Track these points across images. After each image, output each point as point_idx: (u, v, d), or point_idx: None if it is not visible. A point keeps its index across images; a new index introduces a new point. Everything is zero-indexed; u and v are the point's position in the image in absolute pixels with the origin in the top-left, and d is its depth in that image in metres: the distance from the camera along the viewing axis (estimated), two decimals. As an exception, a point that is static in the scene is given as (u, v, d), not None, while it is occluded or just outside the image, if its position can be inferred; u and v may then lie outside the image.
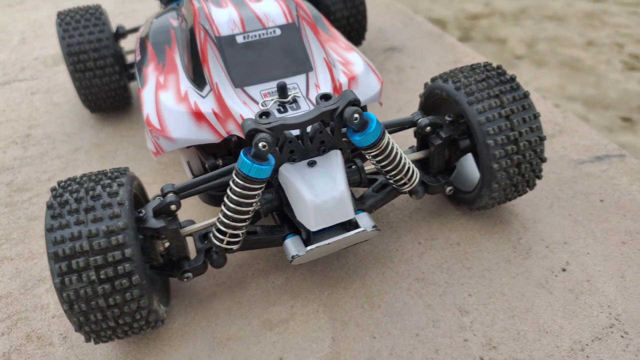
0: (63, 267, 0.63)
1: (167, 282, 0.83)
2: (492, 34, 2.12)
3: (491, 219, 0.91)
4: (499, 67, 0.84)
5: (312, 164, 0.74)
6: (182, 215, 0.96)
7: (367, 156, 0.75)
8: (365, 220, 0.78)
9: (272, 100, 0.79)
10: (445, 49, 1.39)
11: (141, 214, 0.73)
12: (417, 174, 0.81)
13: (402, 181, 0.79)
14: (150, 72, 0.91)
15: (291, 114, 0.77)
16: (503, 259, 0.84)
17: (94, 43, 1.10)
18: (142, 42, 0.98)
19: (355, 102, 0.70)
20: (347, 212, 0.72)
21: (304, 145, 0.74)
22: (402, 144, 1.06)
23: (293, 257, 0.73)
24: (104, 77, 1.12)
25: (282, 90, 0.79)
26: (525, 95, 0.79)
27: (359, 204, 0.82)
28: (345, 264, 0.86)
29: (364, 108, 0.96)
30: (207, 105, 0.82)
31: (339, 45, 0.97)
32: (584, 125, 1.10)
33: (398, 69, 1.33)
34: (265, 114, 0.72)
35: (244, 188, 0.69)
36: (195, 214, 0.97)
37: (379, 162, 0.75)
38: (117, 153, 1.14)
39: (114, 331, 0.69)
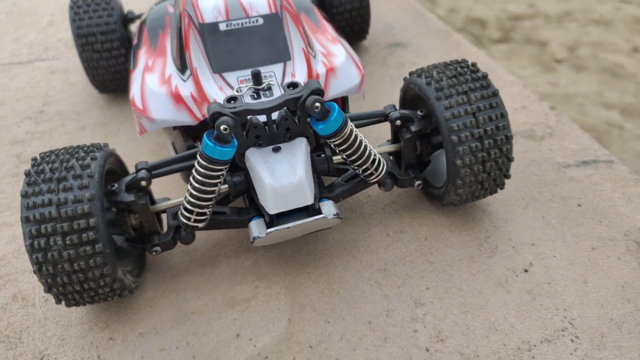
0: (33, 230, 0.68)
1: (142, 254, 0.88)
2: (533, 35, 2.08)
3: (463, 216, 0.91)
4: (473, 65, 0.84)
5: (277, 150, 0.77)
6: (164, 193, 1.01)
7: (331, 145, 0.77)
8: (328, 208, 0.80)
9: (247, 86, 0.82)
10: (450, 47, 1.39)
11: (113, 188, 0.78)
12: (384, 165, 0.83)
13: (369, 171, 0.81)
14: (142, 55, 0.96)
15: (262, 101, 0.80)
16: (467, 255, 0.85)
17: (102, 26, 1.16)
18: (140, 27, 1.03)
19: (317, 92, 0.73)
20: (305, 198, 0.75)
21: (269, 131, 0.77)
22: (381, 137, 1.07)
23: (254, 238, 0.76)
24: (110, 59, 1.18)
25: (257, 78, 0.82)
26: (495, 94, 0.80)
27: (326, 192, 0.84)
28: (313, 250, 0.89)
29: (344, 99, 0.98)
30: (186, 89, 0.86)
31: (325, 37, 0.99)
32: (576, 129, 1.08)
33: (399, 65, 1.34)
34: (232, 98, 0.75)
35: (206, 169, 0.73)
36: (177, 191, 1.02)
37: (343, 151, 0.77)
38: (119, 132, 1.20)
39: (81, 295, 0.74)
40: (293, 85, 0.75)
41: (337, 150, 0.78)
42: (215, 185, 0.76)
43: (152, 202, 0.83)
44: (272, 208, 0.75)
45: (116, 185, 0.78)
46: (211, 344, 0.77)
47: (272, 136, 0.77)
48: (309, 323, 0.78)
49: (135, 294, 0.85)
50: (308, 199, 0.75)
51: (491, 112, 0.78)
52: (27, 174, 0.72)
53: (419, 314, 0.77)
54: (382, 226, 0.91)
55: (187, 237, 0.81)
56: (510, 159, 0.81)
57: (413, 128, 0.83)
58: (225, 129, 0.70)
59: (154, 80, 0.88)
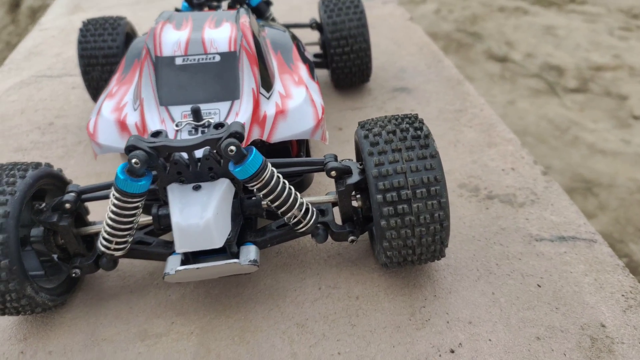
0: None
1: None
2: (614, 88, 1.95)
3: (405, 279, 0.85)
4: (420, 121, 0.78)
5: (197, 188, 0.75)
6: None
7: (253, 189, 0.75)
8: (247, 253, 0.78)
9: (186, 122, 0.82)
10: (457, 96, 1.32)
11: (40, 207, 0.80)
12: (313, 215, 0.79)
13: (296, 219, 0.78)
14: (112, 81, 0.99)
15: (184, 139, 0.79)
16: (394, 324, 0.78)
17: (104, 50, 1.22)
18: (123, 54, 1.06)
19: (236, 134, 0.71)
20: (211, 241, 0.72)
21: (190, 169, 0.76)
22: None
23: (165, 274, 0.75)
24: (108, 79, 1.24)
25: (196, 114, 0.81)
26: (432, 155, 0.73)
27: (254, 236, 0.81)
28: (240, 293, 0.85)
29: (300, 143, 0.95)
30: (132, 118, 0.87)
31: (291, 78, 0.97)
32: (564, 200, 0.98)
33: (397, 110, 1.29)
34: (158, 133, 0.74)
35: (119, 200, 0.73)
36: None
37: (265, 196, 0.75)
38: (110, 151, 1.24)
39: None
40: (219, 125, 0.74)
41: (259, 195, 0.76)
42: (131, 216, 0.75)
43: (83, 224, 0.84)
44: (178, 246, 0.73)
45: (44, 204, 0.80)
46: (108, 376, 0.75)
47: (197, 174, 0.76)
48: (207, 370, 0.74)
49: (60, 312, 0.85)
50: (215, 242, 0.73)
51: (425, 174, 0.72)
52: None
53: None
54: (317, 278, 0.86)
55: (108, 264, 0.81)
56: (444, 227, 0.74)
57: (348, 181, 0.79)
58: (136, 163, 0.69)
59: (108, 107, 0.90)
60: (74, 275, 0.81)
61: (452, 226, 0.94)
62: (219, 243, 0.73)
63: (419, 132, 0.76)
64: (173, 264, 0.76)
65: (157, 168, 0.75)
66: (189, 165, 0.75)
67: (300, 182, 0.94)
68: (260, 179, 0.72)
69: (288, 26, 1.34)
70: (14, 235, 0.73)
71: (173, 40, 0.91)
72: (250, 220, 0.84)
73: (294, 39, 1.13)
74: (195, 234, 0.72)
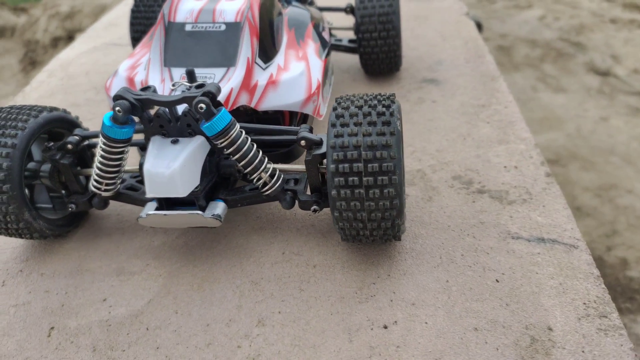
0: None
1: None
2: None
3: (365, 256, 0.86)
4: (392, 100, 0.79)
5: (174, 142, 0.82)
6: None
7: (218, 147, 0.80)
8: (213, 208, 0.83)
9: (181, 83, 0.89)
10: (485, 92, 1.28)
11: (49, 145, 0.91)
12: (279, 179, 0.82)
13: (262, 181, 0.82)
14: (139, 44, 1.08)
15: (166, 95, 0.85)
16: (339, 294, 0.80)
17: (150, 20, 1.33)
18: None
19: (209, 94, 0.77)
20: (175, 190, 0.79)
21: (170, 124, 0.82)
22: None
23: (138, 217, 0.83)
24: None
25: (190, 76, 0.87)
26: (392, 133, 0.74)
27: (225, 194, 0.87)
28: (212, 247, 0.91)
29: (292, 114, 0.99)
30: (140, 77, 0.95)
31: (295, 54, 1.01)
32: (559, 203, 0.93)
33: (418, 100, 1.27)
34: (146, 88, 0.82)
35: (105, 145, 0.81)
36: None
37: (231, 155, 0.80)
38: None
39: None
40: (200, 86, 0.80)
41: (225, 154, 0.81)
42: (116, 160, 0.84)
43: (86, 167, 0.94)
44: (147, 191, 0.80)
45: (52, 144, 0.91)
46: (81, 300, 0.84)
47: (177, 129, 0.83)
48: (161, 308, 0.81)
49: (60, 242, 0.96)
50: (178, 192, 0.79)
51: (380, 151, 0.73)
52: None
53: (254, 332, 0.76)
54: (284, 244, 0.90)
55: (99, 203, 0.91)
56: (394, 205, 0.74)
57: (315, 151, 0.81)
58: (119, 111, 0.77)
59: (125, 66, 1.00)
60: (70, 209, 0.92)
61: (429, 214, 0.93)
62: (182, 193, 0.79)
63: (384, 110, 0.77)
64: (148, 209, 0.84)
65: (142, 120, 0.82)
66: (170, 121, 0.82)
67: (289, 153, 0.97)
68: (226, 137, 0.77)
69: (323, 9, 1.38)
70: (17, 165, 0.84)
71: (188, 8, 0.98)
72: (228, 180, 0.90)
73: (315, 19, 1.16)
74: (161, 181, 0.78)
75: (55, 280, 0.89)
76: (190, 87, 0.88)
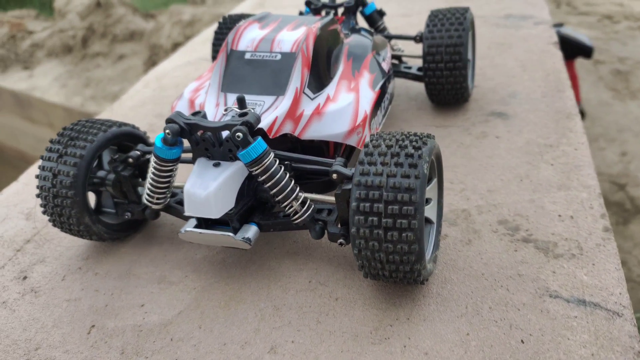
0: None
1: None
2: None
3: (389, 295, 0.85)
4: (423, 142, 0.78)
5: (216, 165, 0.87)
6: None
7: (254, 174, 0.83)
8: (246, 231, 0.87)
9: (232, 109, 0.94)
10: (556, 130, 1.20)
11: (115, 157, 1.00)
12: (309, 209, 0.84)
13: (292, 209, 0.84)
14: (209, 68, 1.15)
15: (213, 121, 0.90)
16: (354, 332, 0.79)
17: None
18: None
19: (246, 124, 0.81)
20: (209, 210, 0.84)
21: (214, 148, 0.87)
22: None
23: (179, 232, 0.89)
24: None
25: (241, 103, 0.92)
26: (417, 176, 0.73)
27: (259, 218, 0.90)
28: (246, 268, 0.95)
29: (337, 145, 1.00)
30: (199, 99, 1.02)
31: (347, 85, 1.02)
32: (611, 264, 0.85)
33: (482, 135, 1.22)
34: (197, 113, 0.88)
35: (156, 163, 0.88)
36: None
37: (263, 182, 0.83)
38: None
39: (62, 225, 0.98)
40: (243, 114, 0.84)
41: (259, 180, 0.84)
42: (165, 177, 0.91)
43: (144, 178, 1.02)
44: (186, 209, 0.86)
45: (117, 156, 1.00)
46: (123, 302, 0.92)
47: (221, 154, 0.88)
48: (188, 321, 0.86)
49: (118, 245, 1.05)
50: (212, 213, 0.84)
51: (402, 193, 0.72)
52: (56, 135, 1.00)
53: (264, 357, 0.78)
54: (313, 272, 0.92)
55: (151, 214, 0.98)
56: (412, 250, 0.73)
57: (345, 186, 0.82)
58: (168, 133, 0.84)
59: (190, 88, 1.07)
60: (126, 217, 1.00)
61: (464, 259, 0.90)
62: (215, 214, 0.84)
63: (413, 151, 0.76)
64: (188, 225, 0.89)
65: (191, 142, 0.88)
66: (214, 145, 0.87)
67: (330, 182, 0.99)
68: (260, 165, 0.81)
69: (392, 37, 1.37)
70: (83, 174, 0.93)
71: (250, 37, 1.04)
72: (265, 205, 0.93)
73: (376, 49, 1.17)
74: (197, 201, 0.84)
75: (106, 280, 0.97)
76: (242, 113, 0.93)
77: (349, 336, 0.79)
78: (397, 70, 1.36)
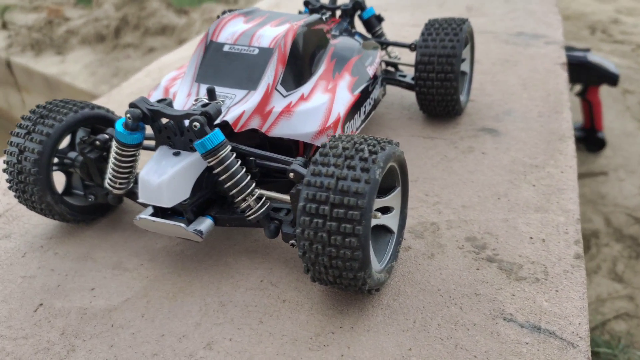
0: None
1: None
2: None
3: (338, 302, 0.82)
4: (381, 148, 0.75)
5: (176, 154, 0.86)
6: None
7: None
8: (199, 223, 0.85)
9: (201, 99, 0.93)
10: (546, 151, 1.15)
11: (84, 138, 0.99)
12: (264, 207, 0.82)
13: (245, 205, 0.82)
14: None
15: (175, 109, 0.88)
16: (294, 336, 0.77)
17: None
18: None
19: (206, 114, 0.79)
20: (161, 199, 0.82)
21: (175, 136, 0.86)
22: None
23: (135, 219, 0.88)
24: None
25: (210, 94, 0.91)
26: (367, 181, 0.70)
27: (216, 212, 0.88)
28: (203, 261, 0.93)
29: (307, 145, 0.98)
30: (174, 88, 1.01)
31: (325, 85, 1.00)
32: (576, 292, 0.80)
33: (468, 150, 1.18)
34: (162, 100, 0.87)
35: (117, 148, 0.87)
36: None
37: (217, 175, 0.81)
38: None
39: (25, 202, 0.97)
40: (204, 104, 0.83)
41: (214, 172, 0.82)
42: (128, 162, 0.89)
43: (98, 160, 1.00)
44: (139, 196, 0.84)
45: (86, 138, 1.00)
46: (75, 284, 0.90)
47: (182, 142, 0.86)
48: (132, 309, 0.84)
49: (84, 228, 1.04)
50: (163, 202, 0.82)
51: (349, 198, 0.69)
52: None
53: (198, 354, 0.75)
54: (267, 272, 0.89)
55: (113, 199, 0.97)
56: (355, 257, 0.70)
57: (298, 186, 0.80)
58: (128, 118, 0.83)
59: (168, 77, 1.06)
60: (90, 200, 1.00)
61: (423, 272, 0.86)
62: (167, 203, 0.82)
63: (368, 156, 0.73)
64: (144, 213, 0.88)
65: (153, 129, 0.87)
66: (176, 134, 0.86)
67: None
68: (216, 157, 0.79)
69: (388, 43, 1.35)
70: (48, 152, 0.93)
71: (232, 30, 1.02)
72: (225, 199, 0.91)
73: (362, 53, 1.14)
74: (150, 189, 0.82)
75: (64, 261, 0.96)
76: (208, 103, 0.92)
77: (288, 339, 0.76)
78: (392, 77, 1.33)
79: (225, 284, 0.88)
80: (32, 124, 0.95)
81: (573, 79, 2.43)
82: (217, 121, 0.88)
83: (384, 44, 1.35)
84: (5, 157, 0.95)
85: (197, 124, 0.78)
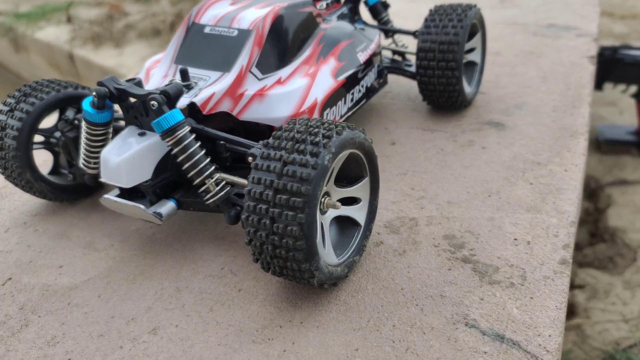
0: None
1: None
2: None
3: (294, 294, 0.78)
4: (337, 132, 0.70)
5: (141, 134, 0.84)
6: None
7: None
8: (160, 206, 0.84)
9: (175, 80, 0.91)
10: (552, 148, 1.06)
11: (66, 117, 0.99)
12: (223, 191, 0.79)
13: (204, 188, 0.80)
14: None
15: (141, 89, 0.86)
16: (240, 327, 0.73)
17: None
18: None
19: (164, 93, 0.77)
20: (120, 179, 0.81)
21: (142, 116, 0.84)
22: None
23: (101, 198, 0.87)
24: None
25: (183, 75, 0.89)
26: (314, 167, 0.65)
27: (180, 196, 0.86)
28: (170, 245, 0.91)
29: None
30: (154, 70, 0.99)
31: (306, 70, 0.95)
32: (552, 302, 0.73)
33: (468, 143, 1.11)
34: (132, 79, 0.86)
35: (86, 126, 0.87)
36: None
37: (176, 156, 0.79)
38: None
39: (8, 178, 0.99)
40: (169, 84, 0.81)
41: (172, 154, 0.80)
42: (99, 141, 0.89)
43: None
44: (101, 175, 0.83)
45: (67, 117, 1.00)
46: (45, 261, 0.91)
47: (148, 123, 0.85)
48: (91, 289, 0.84)
49: (67, 206, 1.05)
50: (122, 182, 0.81)
51: (294, 183, 0.65)
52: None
53: (142, 338, 0.74)
54: (229, 259, 0.86)
55: (90, 179, 0.97)
56: (297, 246, 0.66)
57: (256, 169, 0.76)
58: (95, 96, 0.82)
59: (153, 59, 1.05)
60: (68, 179, 1.00)
61: (389, 270, 0.81)
62: (126, 183, 0.81)
63: (319, 140, 0.68)
64: (111, 193, 0.87)
65: (122, 108, 0.86)
66: (142, 113, 0.84)
67: None
68: (173, 137, 0.77)
69: (391, 30, 1.28)
70: (27, 129, 0.94)
71: (214, 12, 1.00)
72: (191, 183, 0.89)
73: (354, 38, 1.08)
74: (109, 168, 0.81)
75: (41, 238, 0.97)
76: (183, 85, 0.90)
77: (233, 330, 0.73)
78: (396, 67, 1.27)
79: (187, 269, 0.86)
80: (15, 102, 0.96)
81: (629, 79, 2.26)
82: (185, 102, 0.86)
83: (388, 32, 1.29)
84: None
85: (154, 102, 0.76)
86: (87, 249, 0.93)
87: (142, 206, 0.82)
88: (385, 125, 1.22)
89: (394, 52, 1.32)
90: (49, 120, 1.03)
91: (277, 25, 0.96)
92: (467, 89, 1.23)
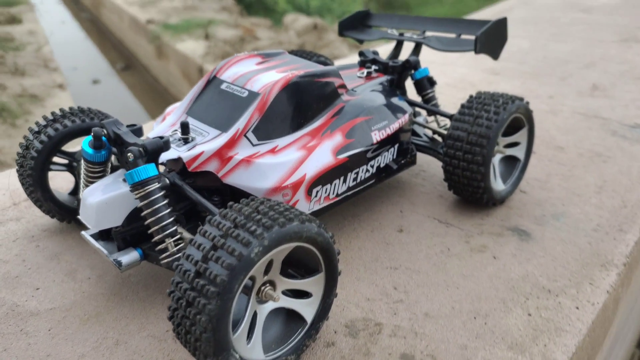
0: None
1: None
2: None
3: None
4: (288, 219, 0.66)
5: (125, 180, 0.86)
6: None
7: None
8: (123, 254, 0.85)
9: (177, 132, 0.92)
10: (575, 275, 0.91)
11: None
12: (180, 252, 0.79)
13: (162, 246, 0.80)
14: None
15: (134, 137, 0.88)
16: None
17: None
18: None
19: (143, 147, 0.79)
20: (90, 221, 0.83)
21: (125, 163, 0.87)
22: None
23: (81, 232, 0.90)
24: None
25: (183, 128, 0.91)
26: (245, 244, 0.62)
27: (148, 247, 0.86)
28: (147, 288, 0.92)
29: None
30: (169, 116, 1.02)
31: (305, 142, 0.92)
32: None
33: (479, 249, 0.99)
34: (132, 125, 0.89)
35: (85, 164, 0.91)
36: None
37: (142, 210, 0.80)
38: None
39: None
40: (160, 138, 0.83)
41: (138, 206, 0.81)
42: (94, 178, 0.93)
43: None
44: (80, 211, 0.86)
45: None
46: (29, 280, 0.96)
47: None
48: (48, 320, 0.86)
49: (76, 228, 1.10)
50: (92, 224, 0.83)
51: (214, 272, 0.62)
52: None
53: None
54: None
55: (89, 209, 1.01)
56: (207, 341, 0.62)
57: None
58: (93, 136, 0.86)
59: (174, 105, 1.08)
60: (74, 204, 1.05)
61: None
62: (94, 226, 0.83)
63: (254, 228, 0.65)
64: (88, 230, 0.90)
65: (117, 152, 0.89)
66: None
67: None
68: (141, 190, 0.78)
69: (429, 110, 1.21)
70: (46, 151, 0.99)
71: (237, 69, 1.01)
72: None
73: (372, 115, 1.03)
74: (84, 207, 0.84)
75: (37, 255, 1.03)
76: (182, 138, 0.91)
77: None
78: (431, 147, 1.19)
79: (136, 322, 0.85)
80: (44, 125, 1.04)
81: None
82: (173, 156, 0.87)
83: (425, 110, 1.22)
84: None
85: (130, 155, 0.78)
86: (67, 277, 0.96)
87: (105, 251, 0.84)
88: (402, 208, 1.15)
89: (434, 131, 1.24)
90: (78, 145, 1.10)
91: (286, 93, 0.94)
92: (499, 186, 1.12)
